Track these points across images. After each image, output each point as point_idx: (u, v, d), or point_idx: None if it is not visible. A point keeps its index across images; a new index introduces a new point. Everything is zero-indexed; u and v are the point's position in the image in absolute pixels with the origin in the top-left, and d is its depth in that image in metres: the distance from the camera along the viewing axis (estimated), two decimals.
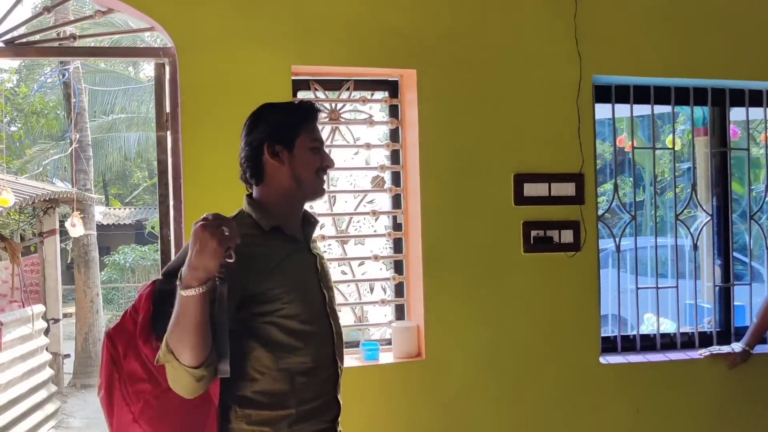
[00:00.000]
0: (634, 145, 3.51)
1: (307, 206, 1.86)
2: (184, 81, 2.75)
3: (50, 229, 8.20)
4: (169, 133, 2.85)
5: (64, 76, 8.77)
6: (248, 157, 1.76)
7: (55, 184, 10.99)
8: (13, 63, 14.92)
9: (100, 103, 17.06)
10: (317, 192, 1.81)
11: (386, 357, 3.02)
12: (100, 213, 16.17)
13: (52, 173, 15.19)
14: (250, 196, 1.79)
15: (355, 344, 3.13)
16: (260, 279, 1.63)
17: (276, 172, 1.74)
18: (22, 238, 9.07)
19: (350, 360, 2.98)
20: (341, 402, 1.81)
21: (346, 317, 3.24)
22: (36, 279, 8.18)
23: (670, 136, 3.60)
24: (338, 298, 3.16)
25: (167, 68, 2.85)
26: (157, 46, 2.95)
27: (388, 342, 3.11)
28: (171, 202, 2.85)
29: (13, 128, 14.52)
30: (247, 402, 1.66)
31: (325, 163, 1.80)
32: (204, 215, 1.46)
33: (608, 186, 3.42)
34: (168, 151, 2.85)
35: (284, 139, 1.73)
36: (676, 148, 3.69)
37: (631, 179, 3.67)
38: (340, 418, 1.81)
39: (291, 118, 1.77)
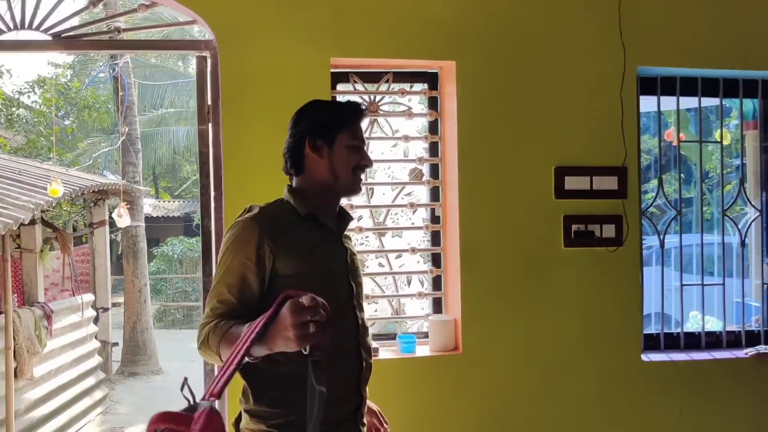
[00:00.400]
0: (684, 139, 3.42)
1: (344, 201, 1.89)
2: (225, 74, 2.79)
3: (100, 220, 8.38)
4: (210, 125, 2.89)
5: (114, 70, 8.99)
6: (290, 149, 1.81)
7: (106, 176, 11.22)
8: (68, 58, 15.33)
9: (150, 98, 17.39)
10: (353, 189, 1.86)
11: (423, 350, 3.01)
12: (149, 205, 16.54)
13: (103, 166, 15.56)
14: (290, 185, 1.84)
15: (392, 336, 3.13)
16: (292, 262, 1.67)
17: (315, 165, 1.79)
18: (74, 229, 9.28)
19: (386, 352, 2.98)
20: (365, 395, 1.81)
21: (383, 309, 3.25)
22: (86, 269, 8.38)
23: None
24: (375, 290, 3.17)
25: (209, 61, 2.89)
26: (200, 39, 2.99)
27: (425, 335, 3.10)
28: (212, 193, 2.89)
29: (66, 122, 14.94)
30: (265, 383, 1.68)
31: (363, 162, 1.84)
32: (302, 296, 1.35)
33: (656, 182, 3.35)
34: (209, 143, 2.90)
35: (325, 135, 1.78)
36: (725, 143, 3.59)
37: (681, 175, 3.58)
38: (364, 410, 1.81)
39: (335, 116, 1.82)
